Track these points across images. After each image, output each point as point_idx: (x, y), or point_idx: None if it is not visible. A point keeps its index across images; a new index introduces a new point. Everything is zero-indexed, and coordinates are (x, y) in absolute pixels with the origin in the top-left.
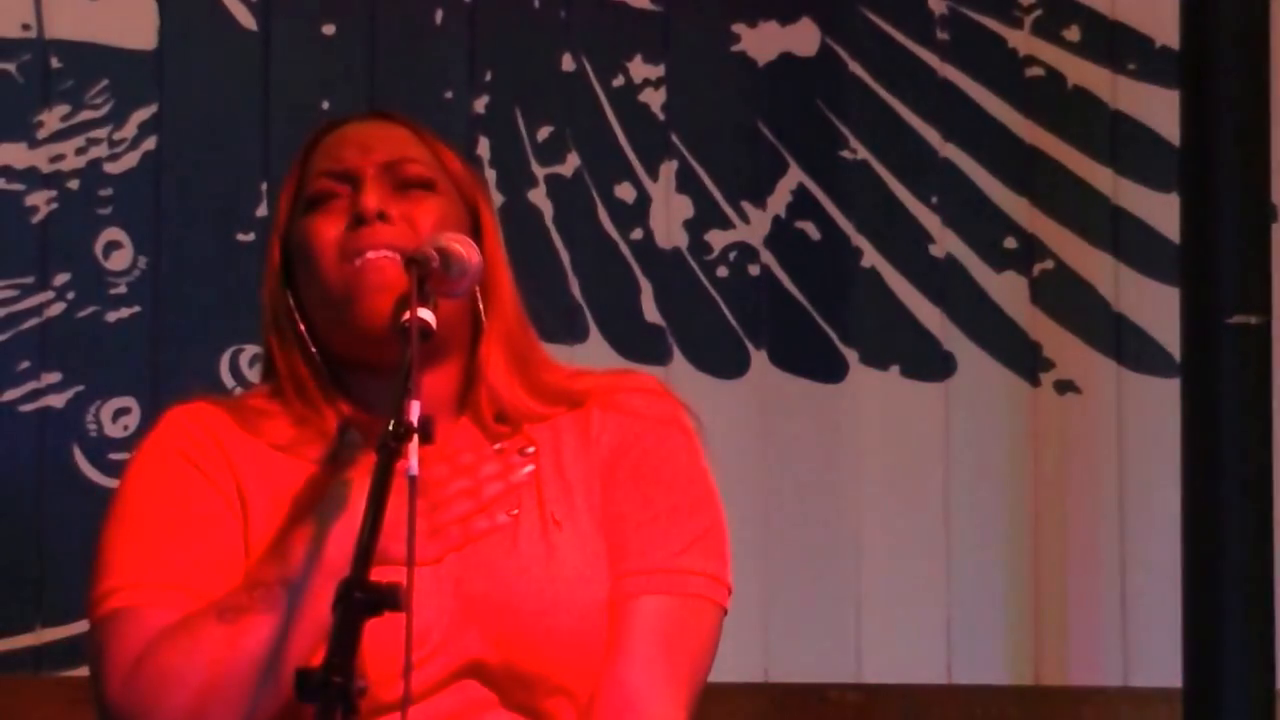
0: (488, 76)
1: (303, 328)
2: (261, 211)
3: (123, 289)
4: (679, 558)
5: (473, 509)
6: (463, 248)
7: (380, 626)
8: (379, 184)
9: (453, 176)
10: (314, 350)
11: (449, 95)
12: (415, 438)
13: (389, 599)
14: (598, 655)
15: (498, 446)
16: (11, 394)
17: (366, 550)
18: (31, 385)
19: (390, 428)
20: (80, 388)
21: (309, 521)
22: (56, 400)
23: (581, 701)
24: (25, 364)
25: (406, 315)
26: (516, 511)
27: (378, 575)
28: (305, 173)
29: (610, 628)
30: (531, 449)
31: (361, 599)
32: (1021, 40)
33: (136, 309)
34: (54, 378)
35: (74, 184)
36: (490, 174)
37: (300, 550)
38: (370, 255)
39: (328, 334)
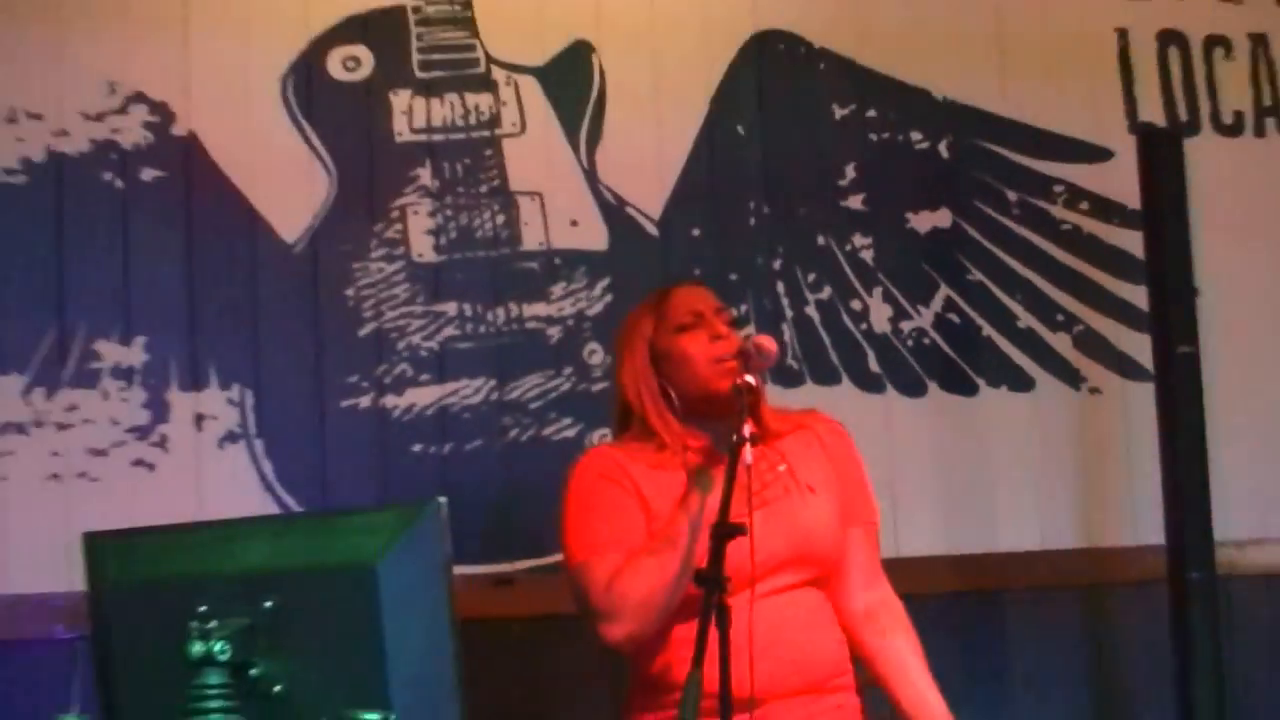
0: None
1: (672, 397)
2: None
3: None
4: (874, 505)
5: (771, 485)
6: (768, 344)
7: (740, 546)
8: (717, 318)
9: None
10: (676, 406)
11: None
12: (747, 444)
13: (739, 531)
14: (838, 555)
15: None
16: None
17: (726, 507)
18: None
19: (735, 438)
20: None
21: (691, 498)
22: None
23: (827, 580)
24: None
25: (739, 380)
26: (786, 491)
27: (734, 519)
28: (665, 314)
29: (852, 546)
30: (779, 457)
31: (725, 530)
32: None
33: None
34: None
35: None
36: (780, 288)
37: (688, 514)
38: (727, 359)
39: (684, 393)
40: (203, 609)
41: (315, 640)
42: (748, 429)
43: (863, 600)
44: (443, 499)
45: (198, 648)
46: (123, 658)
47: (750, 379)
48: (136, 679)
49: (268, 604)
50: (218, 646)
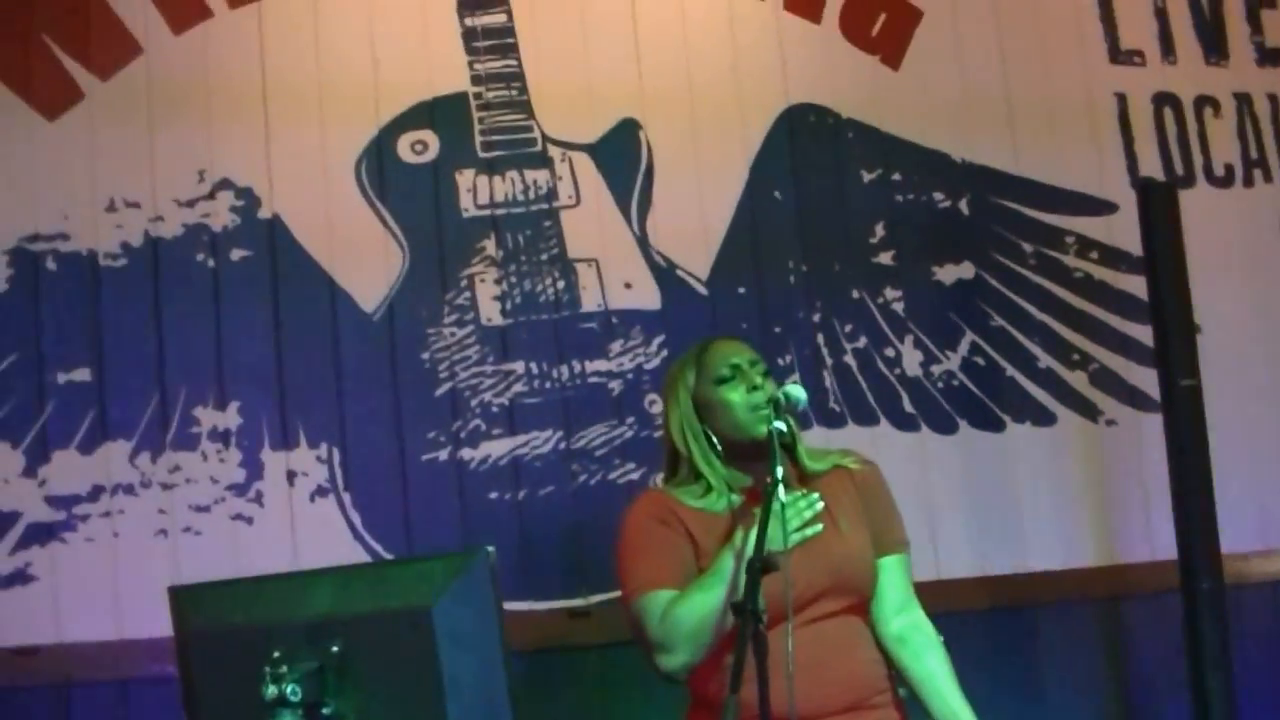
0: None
1: (715, 442)
2: None
3: None
4: (904, 535)
5: (806, 523)
6: (800, 391)
7: (782, 578)
8: (753, 370)
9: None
10: (720, 451)
11: None
12: (781, 485)
13: (772, 564)
14: (871, 583)
15: (802, 492)
16: None
17: (760, 543)
18: None
19: (769, 480)
20: None
21: (735, 535)
22: None
23: (864, 605)
24: None
25: (774, 425)
26: (820, 527)
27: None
28: (704, 366)
29: (885, 574)
30: (817, 494)
31: (759, 565)
32: None
33: None
34: None
35: None
36: (820, 338)
37: (733, 551)
38: (763, 406)
39: (727, 438)
40: (276, 654)
41: (379, 680)
42: (780, 471)
43: (897, 624)
44: (490, 547)
45: (271, 690)
46: (207, 700)
47: (781, 425)
48: (219, 718)
49: (334, 647)
50: (289, 688)
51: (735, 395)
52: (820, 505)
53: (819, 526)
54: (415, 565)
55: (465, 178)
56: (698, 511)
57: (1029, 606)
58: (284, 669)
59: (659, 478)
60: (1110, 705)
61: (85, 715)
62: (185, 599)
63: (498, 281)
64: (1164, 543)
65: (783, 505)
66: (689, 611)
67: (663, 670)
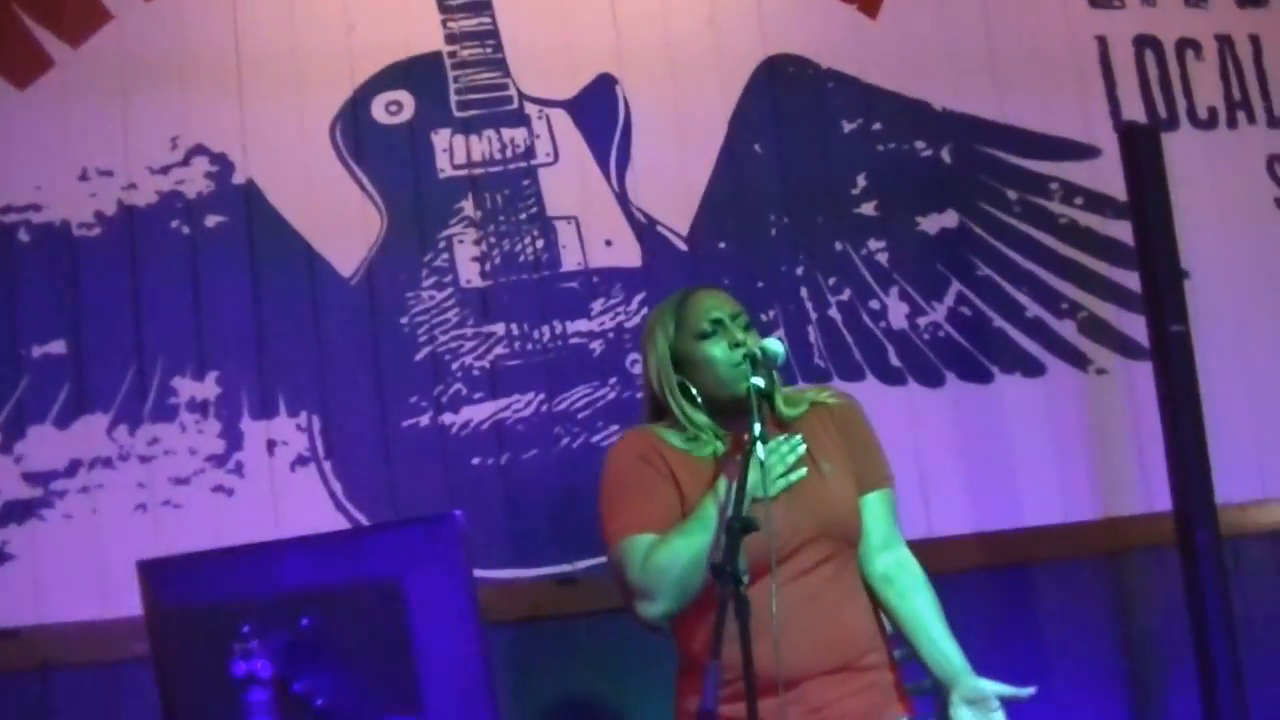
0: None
1: (695, 393)
2: None
3: None
4: (887, 470)
5: (790, 468)
6: (778, 346)
7: (765, 531)
8: (735, 324)
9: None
10: (700, 401)
11: None
12: (759, 440)
13: (752, 525)
14: (858, 526)
15: (784, 436)
16: None
17: (740, 497)
18: None
19: (747, 434)
20: None
21: (719, 483)
22: None
23: (851, 549)
24: None
25: (752, 381)
26: (805, 471)
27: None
28: (685, 318)
29: (868, 511)
30: (799, 436)
31: (739, 525)
32: None
33: None
34: None
35: None
36: (803, 292)
37: (715, 500)
38: (743, 362)
39: (708, 393)
40: (245, 629)
41: (351, 654)
42: (759, 428)
43: (881, 563)
44: (458, 511)
45: (240, 667)
46: (180, 677)
47: (760, 381)
48: (191, 697)
49: (304, 622)
50: (259, 665)
51: (717, 351)
52: (803, 449)
53: (803, 471)
54: (384, 535)
55: (441, 138)
56: (683, 454)
57: (1025, 563)
58: (253, 644)
59: None
60: (1116, 661)
61: (69, 700)
62: (154, 573)
63: (476, 242)
64: (1160, 494)
65: (761, 463)
66: (671, 558)
67: (643, 618)
